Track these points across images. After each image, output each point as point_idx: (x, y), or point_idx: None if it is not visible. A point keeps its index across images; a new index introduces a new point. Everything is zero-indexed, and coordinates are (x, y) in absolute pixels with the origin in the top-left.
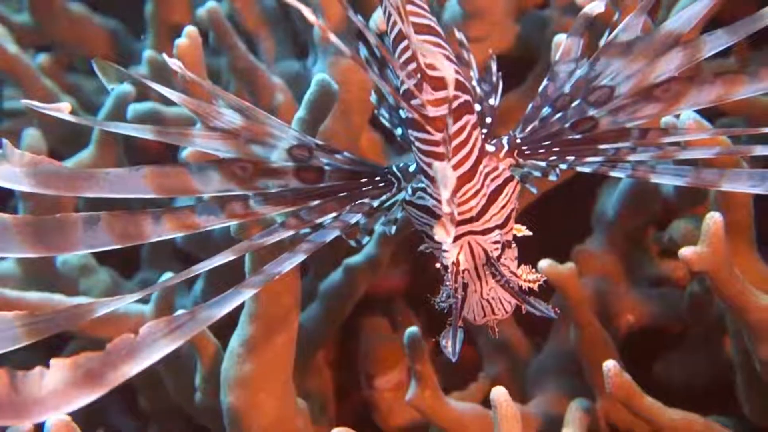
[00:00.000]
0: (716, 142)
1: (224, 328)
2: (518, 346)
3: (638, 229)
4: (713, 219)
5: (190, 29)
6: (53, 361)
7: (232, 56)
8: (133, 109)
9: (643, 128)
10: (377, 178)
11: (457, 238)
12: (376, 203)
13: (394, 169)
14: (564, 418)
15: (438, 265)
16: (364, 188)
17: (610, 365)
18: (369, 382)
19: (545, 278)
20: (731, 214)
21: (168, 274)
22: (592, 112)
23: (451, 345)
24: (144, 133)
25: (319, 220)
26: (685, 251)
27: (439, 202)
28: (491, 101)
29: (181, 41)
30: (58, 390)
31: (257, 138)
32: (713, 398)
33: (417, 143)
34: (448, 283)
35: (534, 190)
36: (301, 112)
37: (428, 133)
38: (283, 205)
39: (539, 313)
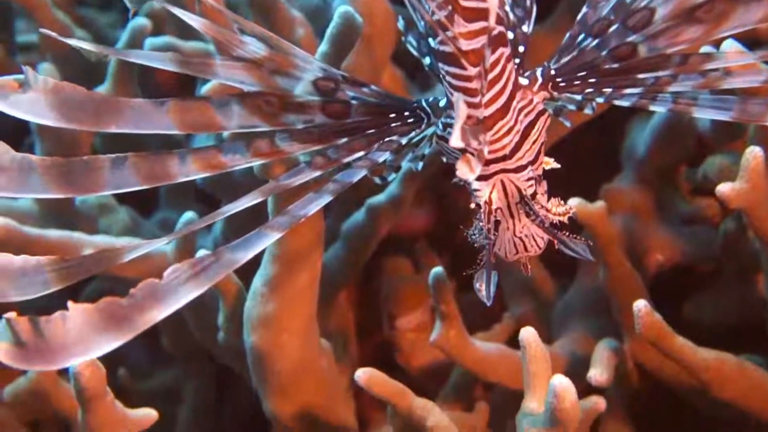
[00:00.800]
0: (758, 68)
1: (246, 269)
2: (544, 286)
3: (670, 165)
4: (753, 154)
5: None
6: (72, 306)
7: None
8: (150, 42)
9: (684, 54)
10: (405, 114)
11: (490, 176)
12: (404, 140)
13: (423, 103)
14: (591, 358)
15: (471, 204)
16: (393, 124)
17: (640, 305)
18: (391, 323)
19: (574, 210)
20: None
21: (189, 214)
22: (631, 38)
23: (485, 288)
24: (166, 63)
25: (346, 159)
26: (723, 187)
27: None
28: (524, 28)
29: None
30: (83, 335)
31: (282, 69)
32: (744, 338)
33: (448, 77)
34: (481, 221)
35: (568, 124)
36: (324, 46)
37: (461, 67)
38: (310, 143)
39: (573, 253)
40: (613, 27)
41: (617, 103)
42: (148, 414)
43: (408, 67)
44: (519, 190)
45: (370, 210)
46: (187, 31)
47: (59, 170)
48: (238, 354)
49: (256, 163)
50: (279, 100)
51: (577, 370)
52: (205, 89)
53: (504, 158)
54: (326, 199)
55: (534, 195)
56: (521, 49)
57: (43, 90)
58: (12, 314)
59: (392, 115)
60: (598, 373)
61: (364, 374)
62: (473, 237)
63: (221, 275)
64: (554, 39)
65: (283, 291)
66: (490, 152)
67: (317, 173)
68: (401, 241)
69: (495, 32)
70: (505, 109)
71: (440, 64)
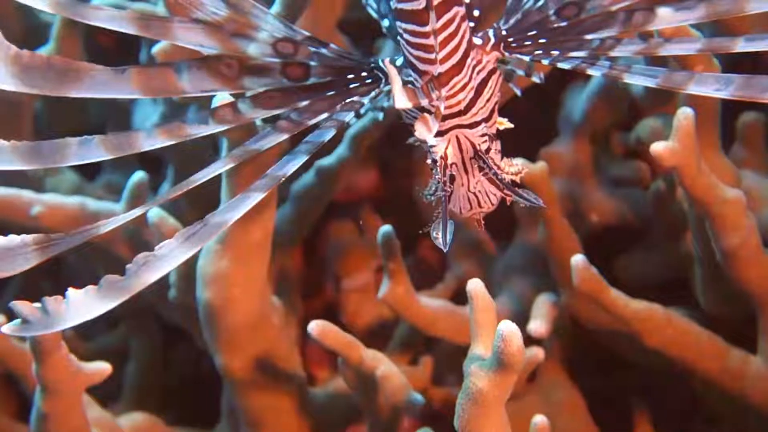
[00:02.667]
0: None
1: None
2: (485, 246)
3: (605, 129)
4: (684, 114)
5: None
6: (72, 290)
7: None
8: (96, 2)
9: (628, 11)
10: (364, 74)
11: (445, 132)
12: (366, 100)
13: (381, 63)
14: (530, 312)
15: (428, 159)
16: (351, 85)
17: (578, 259)
18: (337, 284)
19: (526, 170)
20: (699, 111)
21: (140, 174)
22: None
23: (441, 236)
24: (124, 25)
25: (311, 121)
26: (657, 146)
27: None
28: None
29: None
30: (80, 300)
31: (241, 31)
32: (669, 292)
33: (406, 35)
34: (437, 177)
35: (518, 92)
36: (276, 6)
37: (420, 23)
38: (272, 107)
39: (527, 203)
40: None
41: (560, 65)
42: (102, 367)
43: (352, 35)
44: (473, 145)
45: (319, 171)
46: None
47: (27, 149)
48: (188, 311)
49: (221, 128)
50: (238, 63)
51: (518, 323)
52: (156, 49)
53: (459, 114)
54: (302, 159)
55: (488, 151)
56: (476, 13)
57: (3, 58)
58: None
59: (351, 76)
60: (537, 325)
61: (317, 326)
62: (428, 196)
63: (211, 238)
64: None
65: (236, 247)
66: (445, 108)
67: (284, 136)
68: (346, 205)
69: None
70: (459, 65)
71: (398, 23)
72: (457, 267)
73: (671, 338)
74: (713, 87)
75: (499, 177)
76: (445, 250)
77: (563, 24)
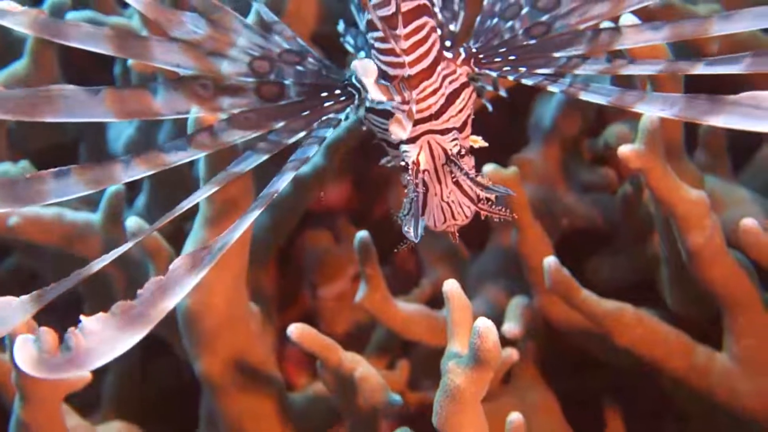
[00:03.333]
0: (658, 52)
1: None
2: (458, 252)
3: (573, 136)
4: (650, 118)
5: None
6: (85, 318)
7: None
8: (71, 16)
9: (595, 30)
10: (337, 92)
11: (417, 138)
12: (342, 116)
13: (353, 80)
14: (504, 314)
15: (402, 179)
16: (326, 103)
17: (550, 261)
18: (313, 292)
19: (498, 175)
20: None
21: (116, 186)
22: (543, 18)
23: (413, 228)
24: (101, 46)
25: (290, 140)
26: (624, 148)
27: (400, 102)
28: (452, 27)
29: None
30: (105, 337)
31: (218, 49)
32: (637, 293)
33: (376, 43)
34: (409, 196)
35: (490, 108)
36: (252, 16)
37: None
38: (249, 129)
39: (500, 193)
40: (524, 10)
41: (524, 81)
42: (82, 375)
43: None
44: (445, 151)
45: (294, 180)
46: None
47: (2, 187)
48: (167, 319)
49: (200, 155)
50: (214, 83)
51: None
52: (130, 63)
53: (430, 118)
54: (289, 175)
55: (460, 155)
56: (448, 44)
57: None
58: (39, 328)
59: (324, 94)
60: (511, 326)
61: (296, 329)
62: (402, 217)
63: (214, 262)
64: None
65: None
66: (417, 111)
67: (265, 156)
68: (321, 214)
69: (419, 2)
70: (429, 70)
71: (369, 34)
72: (432, 273)
73: (641, 337)
74: (659, 107)
75: (471, 176)
76: (416, 241)
77: (532, 42)
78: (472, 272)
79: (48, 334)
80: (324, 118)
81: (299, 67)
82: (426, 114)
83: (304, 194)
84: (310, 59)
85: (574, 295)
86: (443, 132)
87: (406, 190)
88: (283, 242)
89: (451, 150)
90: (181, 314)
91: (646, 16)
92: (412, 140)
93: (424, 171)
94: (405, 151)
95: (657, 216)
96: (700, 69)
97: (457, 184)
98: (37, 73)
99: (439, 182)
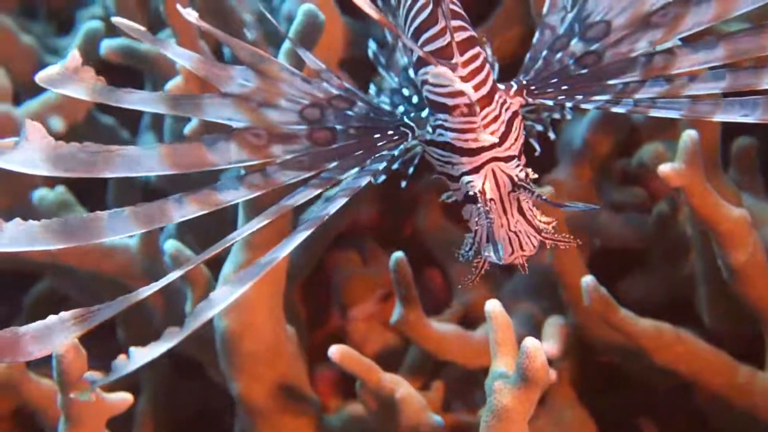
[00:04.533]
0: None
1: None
2: (490, 274)
3: (605, 156)
4: (690, 136)
5: None
6: (134, 350)
7: None
8: (106, 44)
9: (648, 54)
10: (390, 132)
11: (481, 166)
12: (396, 152)
13: (405, 119)
14: (539, 334)
15: (463, 212)
16: (379, 143)
17: (588, 280)
18: (343, 313)
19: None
20: (701, 133)
21: None
22: (593, 47)
23: (493, 252)
24: (156, 106)
25: (343, 176)
26: (664, 167)
27: (460, 131)
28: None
29: None
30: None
31: (269, 101)
32: (670, 313)
33: (431, 78)
34: (471, 235)
35: (538, 148)
36: (288, 44)
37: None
38: (301, 170)
39: (579, 209)
40: (573, 41)
41: (583, 106)
42: (124, 398)
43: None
44: (511, 178)
45: (328, 202)
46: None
47: (59, 227)
48: (203, 341)
49: (253, 195)
50: (266, 132)
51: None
52: (188, 129)
53: (494, 145)
54: (341, 201)
55: (526, 178)
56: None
57: (39, 147)
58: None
59: (377, 135)
60: (550, 345)
61: (337, 350)
62: (464, 254)
63: (260, 274)
64: None
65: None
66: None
67: (316, 191)
68: (349, 236)
69: (469, 33)
70: (489, 97)
71: (420, 71)
72: (463, 294)
73: (680, 355)
74: (740, 113)
75: (544, 198)
76: (501, 263)
77: (584, 72)
78: (505, 291)
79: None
80: (377, 155)
81: (349, 112)
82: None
83: (337, 215)
84: (360, 103)
85: (613, 313)
86: (507, 159)
87: (469, 224)
88: (315, 262)
89: (517, 176)
90: (220, 336)
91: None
92: (476, 169)
93: (490, 200)
94: (469, 182)
95: (694, 234)
96: (766, 81)
97: (521, 212)
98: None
99: (505, 212)
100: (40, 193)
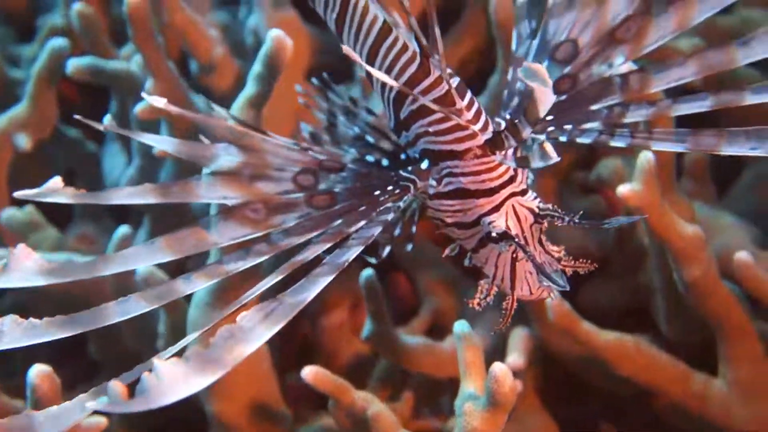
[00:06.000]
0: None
1: None
2: (457, 281)
3: (567, 167)
4: (647, 158)
5: None
6: (158, 363)
7: (169, 9)
8: (73, 63)
9: (622, 75)
10: (390, 187)
11: (501, 205)
12: (401, 204)
13: (405, 173)
14: (505, 343)
15: (476, 260)
16: (381, 198)
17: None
18: (314, 322)
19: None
20: (656, 152)
21: (123, 228)
22: (565, 70)
23: (556, 281)
24: (147, 197)
25: (350, 230)
26: (622, 189)
27: (475, 173)
28: None
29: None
30: (179, 379)
31: (259, 173)
32: (631, 318)
33: (432, 128)
34: (487, 281)
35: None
36: (257, 67)
37: (452, 104)
38: (307, 233)
39: (618, 224)
40: (544, 65)
41: (579, 140)
42: (98, 421)
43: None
44: (531, 210)
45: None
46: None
47: (61, 322)
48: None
49: (260, 260)
50: (264, 205)
51: (494, 356)
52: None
53: (511, 180)
54: (357, 249)
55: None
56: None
57: (29, 264)
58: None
59: (377, 192)
60: (515, 358)
61: (310, 371)
62: (483, 302)
63: (289, 316)
64: None
65: (227, 300)
66: (498, 176)
67: (326, 245)
68: None
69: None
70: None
71: (418, 122)
72: (431, 301)
73: (640, 366)
74: (747, 146)
75: (578, 221)
76: (568, 288)
77: (563, 98)
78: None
79: (115, 386)
80: (382, 208)
81: (343, 173)
82: (506, 177)
83: None
84: (351, 165)
85: (576, 328)
86: (523, 193)
87: (484, 269)
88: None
89: (538, 206)
90: None
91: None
92: (496, 208)
93: (515, 236)
94: (490, 222)
95: (651, 248)
96: (748, 98)
97: (541, 243)
98: (38, 114)
99: (528, 245)
100: (9, 213)
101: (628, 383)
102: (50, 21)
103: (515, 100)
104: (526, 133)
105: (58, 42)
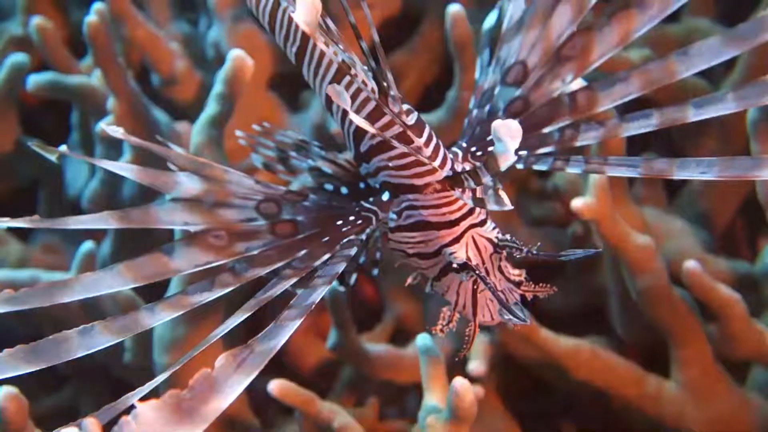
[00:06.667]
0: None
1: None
2: (419, 286)
3: (524, 175)
4: None
5: (98, 6)
6: (140, 405)
7: (130, 25)
8: (33, 80)
9: (570, 94)
10: (351, 218)
11: (461, 236)
12: (363, 237)
13: (366, 204)
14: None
15: (438, 288)
16: (343, 229)
17: None
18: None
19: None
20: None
21: (87, 245)
22: (516, 93)
23: (514, 316)
24: (107, 223)
25: (315, 263)
26: (576, 202)
27: (435, 207)
28: None
29: (90, 19)
30: (157, 428)
31: (222, 200)
32: (586, 320)
33: (392, 163)
34: (450, 308)
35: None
36: (218, 87)
37: (405, 143)
38: (271, 263)
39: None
40: (497, 89)
41: (535, 168)
42: None
43: (286, 93)
44: (489, 240)
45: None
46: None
47: (28, 351)
48: (144, 372)
49: (225, 292)
50: (226, 232)
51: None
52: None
53: (470, 212)
54: (323, 289)
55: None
56: None
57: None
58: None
59: (339, 222)
60: (476, 365)
61: (276, 386)
62: (445, 328)
63: (262, 364)
64: None
65: (192, 315)
66: (457, 209)
67: (291, 281)
68: None
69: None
70: (455, 170)
71: (377, 158)
72: (394, 307)
73: (596, 370)
74: (698, 170)
75: (536, 252)
76: (529, 322)
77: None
78: (433, 305)
79: (92, 425)
80: (345, 240)
81: (305, 203)
82: (465, 210)
83: None
84: (312, 196)
85: (535, 335)
86: (482, 224)
87: (446, 296)
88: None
89: (497, 237)
90: (161, 371)
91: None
92: (456, 240)
93: (476, 266)
94: (451, 253)
95: (606, 255)
96: (692, 114)
97: (500, 271)
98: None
99: (488, 274)
100: None
101: (585, 385)
102: (8, 30)
103: (476, 130)
104: (486, 180)
105: (18, 58)
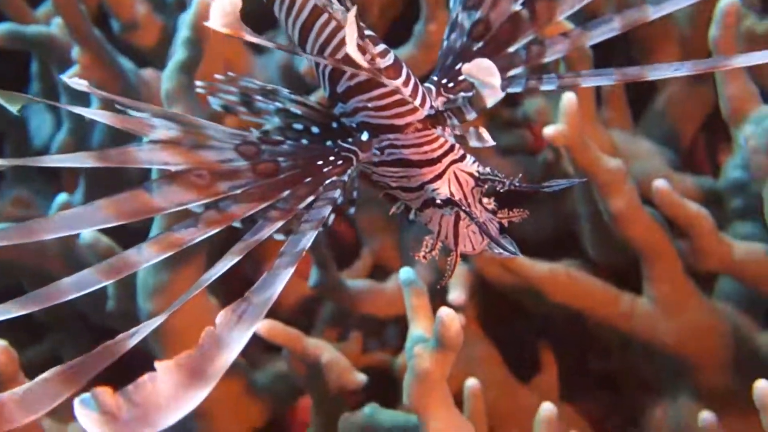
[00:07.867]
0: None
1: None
2: (393, 219)
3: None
4: (569, 99)
5: None
6: (159, 365)
7: None
8: None
9: (530, 7)
10: (332, 158)
11: (443, 173)
12: (346, 177)
13: (346, 144)
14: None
15: (421, 218)
16: (324, 170)
17: None
18: (256, 268)
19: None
20: (578, 89)
21: (62, 196)
22: (477, 16)
23: (503, 249)
24: (84, 161)
25: (300, 206)
26: (548, 130)
27: (417, 146)
28: None
29: None
30: (173, 394)
31: (201, 142)
32: (559, 244)
33: (372, 103)
34: (432, 236)
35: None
36: (185, 32)
37: (385, 82)
38: (255, 202)
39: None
40: (460, 17)
41: (510, 90)
42: None
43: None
44: (471, 174)
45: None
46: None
47: (17, 302)
48: (128, 318)
49: (212, 231)
50: (208, 171)
51: (434, 293)
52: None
53: (452, 149)
54: (312, 234)
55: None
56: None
57: None
58: (99, 389)
59: (319, 163)
60: (457, 295)
61: (263, 326)
62: (428, 253)
63: (261, 315)
64: None
65: (174, 259)
66: (438, 147)
67: (278, 224)
68: None
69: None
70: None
71: (356, 98)
72: (371, 242)
73: (572, 292)
74: (671, 69)
75: (518, 184)
76: (519, 255)
77: (481, 45)
78: (409, 238)
79: (104, 394)
80: (328, 182)
81: (284, 146)
82: (447, 147)
83: None
84: (289, 141)
85: (511, 261)
86: (462, 159)
87: (429, 226)
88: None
89: (477, 171)
90: (147, 317)
91: None
92: (438, 176)
93: (459, 200)
94: (434, 190)
95: (577, 177)
96: (651, 12)
97: (480, 203)
98: None
99: (470, 207)
100: None
101: (561, 308)
102: None
103: (447, 60)
104: (470, 117)
105: None
